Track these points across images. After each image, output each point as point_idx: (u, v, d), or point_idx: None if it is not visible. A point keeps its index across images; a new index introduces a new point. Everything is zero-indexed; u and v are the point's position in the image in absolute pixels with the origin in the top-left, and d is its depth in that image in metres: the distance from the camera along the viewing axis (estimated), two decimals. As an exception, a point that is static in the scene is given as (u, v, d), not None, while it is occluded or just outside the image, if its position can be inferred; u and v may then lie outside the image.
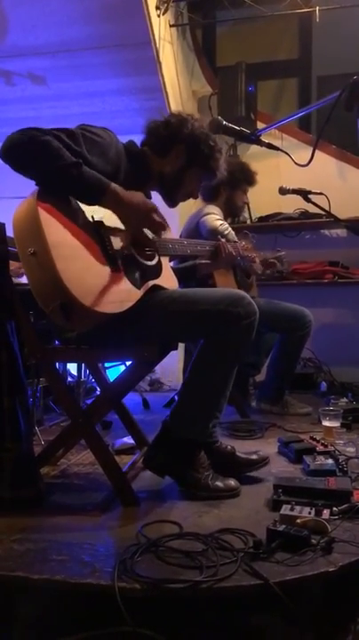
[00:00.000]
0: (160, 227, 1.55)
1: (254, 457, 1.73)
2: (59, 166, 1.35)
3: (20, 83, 3.60)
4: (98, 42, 3.28)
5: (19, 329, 1.58)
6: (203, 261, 1.91)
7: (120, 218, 1.49)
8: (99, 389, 2.63)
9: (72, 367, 2.91)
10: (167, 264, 1.76)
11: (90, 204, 1.45)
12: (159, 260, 1.69)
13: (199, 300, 1.56)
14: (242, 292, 1.59)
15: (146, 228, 1.56)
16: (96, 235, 1.45)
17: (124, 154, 1.64)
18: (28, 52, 3.37)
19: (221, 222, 2.62)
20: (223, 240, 1.89)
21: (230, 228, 2.64)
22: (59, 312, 1.33)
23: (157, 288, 1.62)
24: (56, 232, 1.35)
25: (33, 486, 1.52)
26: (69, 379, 2.88)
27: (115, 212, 1.47)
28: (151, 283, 1.60)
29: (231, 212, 2.78)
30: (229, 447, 1.71)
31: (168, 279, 1.72)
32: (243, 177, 2.81)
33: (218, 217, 2.66)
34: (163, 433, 1.63)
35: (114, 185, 1.44)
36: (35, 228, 1.32)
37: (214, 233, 2.54)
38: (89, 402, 2.54)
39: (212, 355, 1.57)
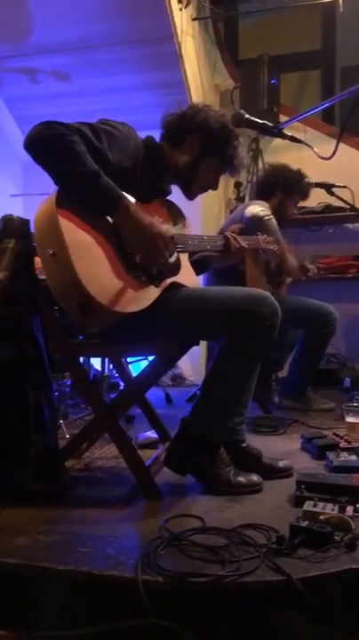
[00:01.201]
0: (159, 254, 1.48)
1: (280, 465, 1.71)
2: (80, 172, 1.35)
3: (44, 80, 3.63)
4: (120, 37, 3.30)
5: (44, 324, 1.60)
6: (212, 254, 1.87)
7: (126, 233, 1.46)
8: (122, 384, 2.66)
9: (95, 362, 2.94)
10: (186, 260, 1.76)
11: (101, 213, 1.44)
12: (178, 256, 1.69)
13: (221, 300, 1.55)
14: (265, 292, 1.57)
15: (145, 252, 1.48)
16: (114, 235, 1.46)
17: (143, 148, 1.63)
18: (52, 50, 3.40)
19: (265, 212, 2.59)
20: (229, 233, 1.85)
21: (273, 218, 2.60)
22: (77, 311, 1.35)
23: (176, 285, 1.62)
24: (74, 233, 1.36)
25: (57, 479, 1.54)
26: (93, 373, 2.91)
27: (123, 225, 1.45)
28: (169, 280, 1.60)
29: (278, 218, 2.68)
30: (256, 450, 1.71)
31: (187, 276, 1.71)
32: (300, 187, 2.76)
33: (262, 208, 2.63)
34: (183, 431, 1.64)
35: (127, 201, 1.43)
36: (54, 230, 1.34)
37: (254, 219, 2.51)
38: (112, 396, 2.57)
39: (233, 354, 1.56)
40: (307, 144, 2.32)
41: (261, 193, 2.80)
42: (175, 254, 1.67)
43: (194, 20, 3.72)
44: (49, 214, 1.37)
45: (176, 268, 1.67)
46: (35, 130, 1.36)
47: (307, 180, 2.78)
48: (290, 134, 2.36)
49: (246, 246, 1.88)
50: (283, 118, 3.85)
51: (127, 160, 1.53)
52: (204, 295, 1.59)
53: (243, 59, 4.42)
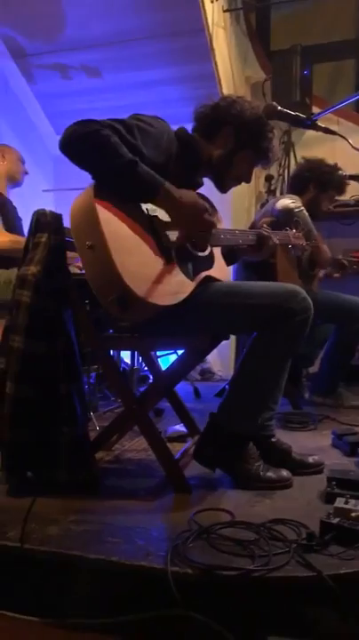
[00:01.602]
0: (209, 225, 1.52)
1: (310, 460, 1.70)
2: (117, 163, 1.36)
3: (76, 76, 3.67)
4: (151, 31, 3.30)
5: (75, 318, 1.62)
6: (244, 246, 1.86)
7: (171, 217, 1.48)
8: (151, 378, 2.68)
9: (125, 355, 2.97)
10: (219, 254, 1.75)
11: (143, 201, 1.46)
12: (211, 250, 1.68)
13: (253, 294, 1.54)
14: (297, 287, 1.55)
15: (192, 229, 1.53)
16: (150, 228, 1.46)
17: (176, 141, 1.63)
18: (84, 46, 3.43)
19: (296, 204, 2.55)
20: (265, 230, 1.83)
21: (304, 210, 2.57)
22: (115, 304, 1.36)
23: (210, 279, 1.62)
24: (113, 225, 1.37)
25: (88, 470, 1.56)
26: (123, 366, 2.93)
27: (167, 211, 1.47)
28: (204, 274, 1.60)
29: (312, 213, 2.66)
30: (286, 445, 1.69)
31: (220, 270, 1.71)
32: (335, 182, 2.71)
33: (293, 200, 2.60)
34: (212, 426, 1.63)
35: (167, 184, 1.43)
36: (93, 222, 1.35)
37: (284, 211, 2.48)
38: (142, 389, 2.58)
39: (264, 350, 1.55)
40: (341, 135, 2.28)
41: (295, 187, 2.76)
42: (209, 248, 1.67)
43: (225, 11, 3.69)
44: (87, 206, 1.37)
45: (210, 261, 1.67)
46: (68, 130, 1.37)
47: (342, 174, 2.72)
48: (324, 126, 2.32)
49: (277, 242, 1.86)
50: (315, 110, 3.79)
51: (161, 155, 1.53)
52: (237, 290, 1.59)
53: (274, 50, 4.35)
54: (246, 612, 1.09)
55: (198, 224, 1.51)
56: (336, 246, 3.54)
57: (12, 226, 2.63)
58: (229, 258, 1.83)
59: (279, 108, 2.19)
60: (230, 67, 3.86)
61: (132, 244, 1.40)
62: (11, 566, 1.20)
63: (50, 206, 1.64)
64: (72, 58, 3.56)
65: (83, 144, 1.37)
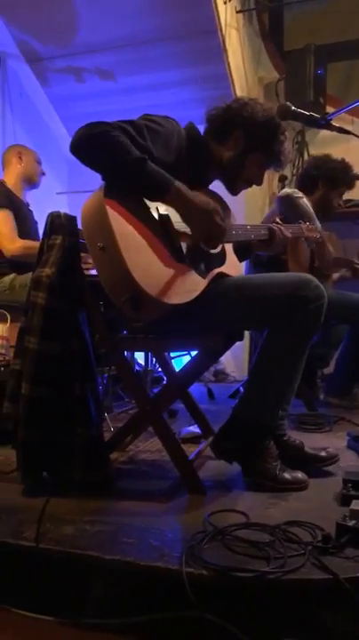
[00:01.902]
0: (220, 230, 1.51)
1: (323, 454, 1.69)
2: (127, 161, 1.37)
3: (89, 79, 3.69)
4: (164, 33, 3.31)
5: (89, 319, 1.63)
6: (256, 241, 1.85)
7: (182, 216, 1.49)
8: (165, 379, 2.68)
9: (139, 356, 2.98)
10: (231, 251, 1.75)
11: (153, 200, 1.46)
12: (223, 247, 1.68)
13: (264, 286, 1.54)
14: (309, 276, 1.54)
15: (202, 230, 1.52)
16: (161, 227, 1.47)
17: (186, 140, 1.62)
18: (97, 48, 3.45)
19: (297, 194, 2.53)
20: (275, 225, 1.82)
21: (305, 198, 2.55)
22: (128, 304, 1.36)
23: (222, 275, 1.62)
24: (123, 226, 1.37)
25: (103, 470, 1.57)
26: (136, 367, 2.94)
27: (177, 210, 1.47)
28: (216, 271, 1.60)
29: (324, 211, 2.65)
30: (298, 441, 1.69)
31: (232, 266, 1.71)
32: (345, 178, 2.68)
33: (294, 189, 2.58)
34: (232, 419, 1.63)
35: (178, 183, 1.44)
36: (103, 224, 1.35)
37: (284, 198, 2.46)
38: (155, 390, 2.59)
39: (280, 340, 1.54)
40: (356, 135, 2.26)
41: (304, 186, 2.73)
42: (220, 245, 1.66)
43: (238, 12, 3.68)
44: (97, 207, 1.38)
45: (222, 258, 1.67)
46: (78, 132, 1.38)
47: (351, 169, 2.68)
48: (338, 125, 2.31)
49: (290, 235, 1.85)
50: (329, 109, 3.77)
51: (170, 154, 1.53)
52: (248, 282, 1.58)
53: (288, 50, 4.33)
54: (261, 615, 1.09)
55: (209, 226, 1.50)
56: (350, 246, 3.51)
57: (27, 231, 2.65)
58: (241, 253, 1.82)
59: (293, 108, 2.18)
60: (243, 67, 3.86)
61: (143, 244, 1.40)
62: (27, 566, 1.21)
63: (64, 208, 1.65)
64: (85, 61, 3.59)
65: (93, 145, 1.38)
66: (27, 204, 2.82)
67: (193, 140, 1.66)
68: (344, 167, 2.68)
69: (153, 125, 1.50)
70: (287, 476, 1.56)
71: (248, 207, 3.76)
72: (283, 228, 1.83)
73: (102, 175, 1.43)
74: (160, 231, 1.46)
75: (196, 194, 1.49)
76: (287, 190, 2.52)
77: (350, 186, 2.73)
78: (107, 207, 1.36)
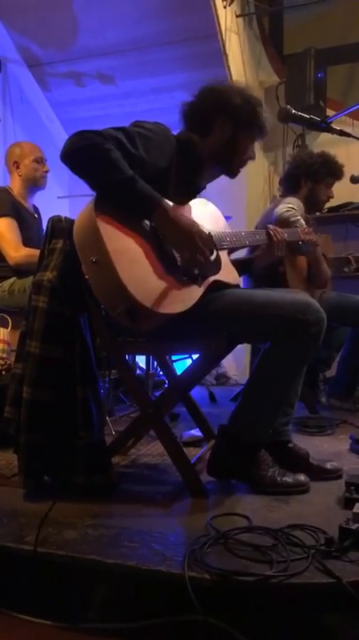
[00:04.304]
0: (200, 252, 1.49)
1: (328, 466, 1.68)
2: (116, 179, 1.37)
3: (90, 83, 3.70)
4: (164, 37, 3.32)
5: (91, 322, 1.63)
6: (258, 253, 1.85)
7: (165, 235, 1.48)
8: (167, 382, 2.67)
9: (141, 360, 2.97)
10: (226, 257, 1.74)
11: (139, 217, 1.45)
12: (217, 254, 1.68)
13: (265, 305, 1.53)
14: (310, 299, 1.54)
15: (185, 252, 1.50)
16: (153, 238, 1.47)
17: (176, 146, 1.62)
18: (97, 53, 3.46)
19: (291, 213, 2.54)
20: (271, 226, 1.82)
21: (302, 220, 2.55)
22: (124, 316, 1.36)
23: (219, 284, 1.61)
24: (115, 238, 1.38)
25: (105, 474, 1.56)
26: (138, 371, 2.94)
27: (161, 228, 1.46)
28: (212, 278, 1.60)
29: (313, 207, 2.64)
30: (303, 450, 1.68)
31: (228, 273, 1.70)
32: (326, 170, 2.63)
33: (290, 207, 2.58)
34: (223, 438, 1.62)
35: (165, 204, 1.44)
36: (96, 238, 1.36)
37: (280, 220, 2.46)
38: (157, 394, 2.58)
39: (277, 360, 1.54)
40: (356, 137, 2.26)
41: (289, 187, 2.71)
42: (214, 252, 1.66)
43: (238, 16, 3.70)
44: (89, 222, 1.39)
45: (217, 265, 1.67)
46: (70, 141, 1.38)
47: (330, 160, 2.63)
48: (338, 128, 2.31)
49: (286, 236, 1.85)
50: (329, 113, 3.79)
51: (162, 160, 1.54)
52: (250, 300, 1.57)
53: (288, 53, 4.35)
54: (264, 619, 1.08)
55: (189, 246, 1.48)
56: (351, 249, 3.52)
57: (31, 239, 2.63)
58: (240, 267, 1.82)
59: (293, 111, 2.20)
60: (243, 71, 3.87)
61: (136, 256, 1.41)
62: (28, 570, 1.21)
63: (65, 213, 1.65)
64: (86, 65, 3.60)
65: (84, 156, 1.37)
66: (36, 210, 2.81)
67: (182, 143, 1.65)
68: (323, 161, 2.62)
69: (144, 132, 1.50)
70: (288, 479, 1.55)
71: (249, 211, 3.76)
72: (278, 229, 1.83)
73: (91, 186, 1.42)
74: (152, 242, 1.46)
75: (182, 215, 1.48)
76: (283, 212, 2.50)
77: (336, 176, 2.67)
78: (99, 221, 1.37)
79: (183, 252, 1.48)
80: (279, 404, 1.59)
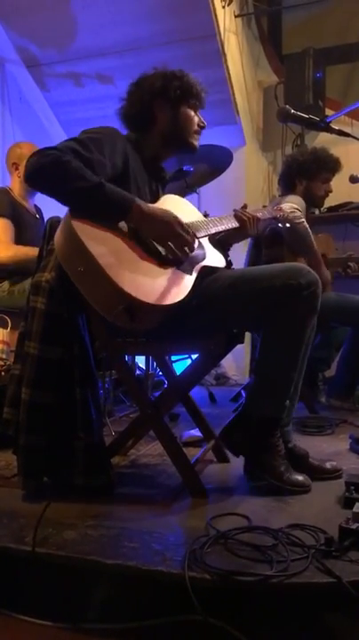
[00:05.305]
0: (184, 241, 1.50)
1: (328, 466, 1.68)
2: (83, 188, 1.36)
3: (89, 83, 3.70)
4: (162, 38, 3.31)
5: (89, 323, 1.63)
6: (230, 233, 1.86)
7: (145, 233, 1.48)
8: (166, 382, 2.67)
9: (140, 360, 2.97)
10: (208, 244, 1.77)
11: (115, 221, 1.45)
12: (199, 242, 1.68)
13: (256, 279, 1.54)
14: (299, 264, 1.56)
15: (168, 243, 1.50)
16: (135, 235, 1.47)
17: (127, 142, 1.65)
18: (96, 54, 3.45)
19: (295, 214, 2.53)
20: (240, 210, 1.84)
21: (305, 222, 2.54)
22: (123, 315, 1.36)
23: (208, 268, 1.63)
24: (98, 243, 1.37)
25: (104, 475, 1.56)
26: (137, 371, 2.94)
27: (139, 227, 1.46)
28: (201, 265, 1.61)
29: (312, 203, 2.65)
30: (303, 451, 1.68)
31: (214, 256, 1.73)
32: (318, 166, 2.61)
33: (292, 209, 2.57)
34: (243, 412, 1.63)
35: (138, 201, 1.44)
36: (79, 248, 1.35)
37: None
38: (157, 394, 2.58)
39: (279, 331, 1.54)
40: (355, 137, 2.26)
41: (285, 187, 2.71)
42: (196, 241, 1.66)
43: (237, 16, 3.70)
44: (68, 234, 1.39)
45: (202, 251, 1.68)
46: (29, 162, 1.38)
47: (324, 156, 2.60)
48: (337, 128, 2.31)
49: (259, 215, 1.87)
50: (328, 112, 3.79)
51: (119, 158, 1.55)
52: (242, 278, 1.59)
53: (287, 53, 4.35)
54: (264, 619, 1.08)
55: (172, 236, 1.48)
56: (350, 248, 3.51)
57: (30, 240, 2.62)
58: (221, 249, 1.84)
59: (292, 111, 2.20)
60: (242, 72, 3.87)
61: (123, 256, 1.41)
62: (27, 570, 1.21)
63: (63, 213, 1.65)
64: (84, 66, 3.60)
65: (47, 173, 1.37)
66: (38, 210, 2.81)
67: (132, 139, 1.69)
68: (315, 158, 2.61)
69: (94, 135, 1.51)
70: (292, 477, 1.55)
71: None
72: (247, 210, 1.85)
73: (62, 203, 1.42)
74: (134, 239, 1.46)
75: (156, 207, 1.49)
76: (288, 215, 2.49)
77: (330, 170, 2.63)
78: (78, 230, 1.36)
79: (166, 242, 1.49)
80: (288, 375, 1.57)
